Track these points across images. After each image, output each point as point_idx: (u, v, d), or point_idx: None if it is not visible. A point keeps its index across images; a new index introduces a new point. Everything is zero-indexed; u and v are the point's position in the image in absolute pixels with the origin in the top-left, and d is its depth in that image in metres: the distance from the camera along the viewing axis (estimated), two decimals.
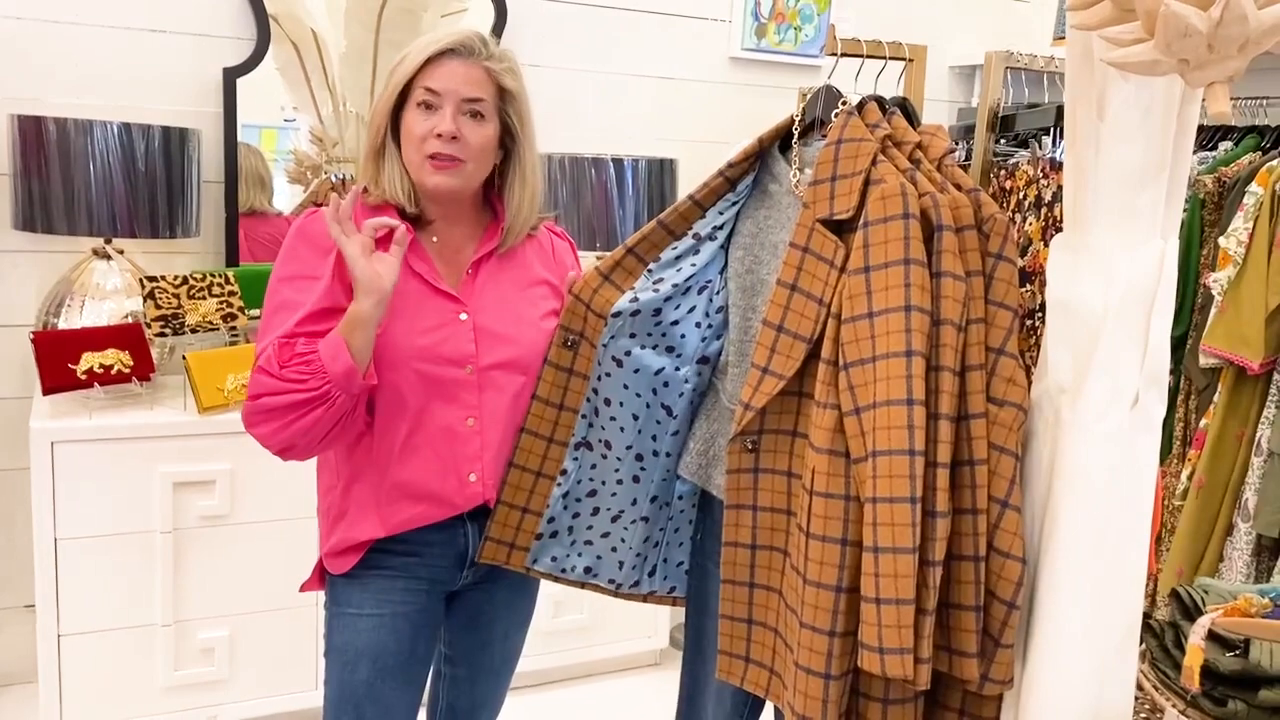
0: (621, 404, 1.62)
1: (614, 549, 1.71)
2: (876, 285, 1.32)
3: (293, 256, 1.54)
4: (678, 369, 1.61)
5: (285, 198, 2.89)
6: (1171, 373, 2.69)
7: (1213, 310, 2.49)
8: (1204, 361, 2.53)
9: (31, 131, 2.38)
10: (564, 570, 1.71)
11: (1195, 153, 2.70)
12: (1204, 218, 2.61)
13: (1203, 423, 2.59)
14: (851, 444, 1.33)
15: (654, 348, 1.60)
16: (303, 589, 1.72)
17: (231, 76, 2.73)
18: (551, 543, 1.69)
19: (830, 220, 1.42)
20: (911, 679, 1.25)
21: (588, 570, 1.72)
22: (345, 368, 1.43)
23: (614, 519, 1.69)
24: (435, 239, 1.61)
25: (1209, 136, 2.75)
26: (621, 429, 1.64)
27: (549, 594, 2.78)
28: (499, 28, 3.01)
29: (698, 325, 1.60)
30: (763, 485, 1.49)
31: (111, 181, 2.41)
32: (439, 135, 1.51)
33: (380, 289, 1.44)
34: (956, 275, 1.32)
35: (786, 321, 1.43)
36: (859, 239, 1.35)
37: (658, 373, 1.61)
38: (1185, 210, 2.59)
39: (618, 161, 2.90)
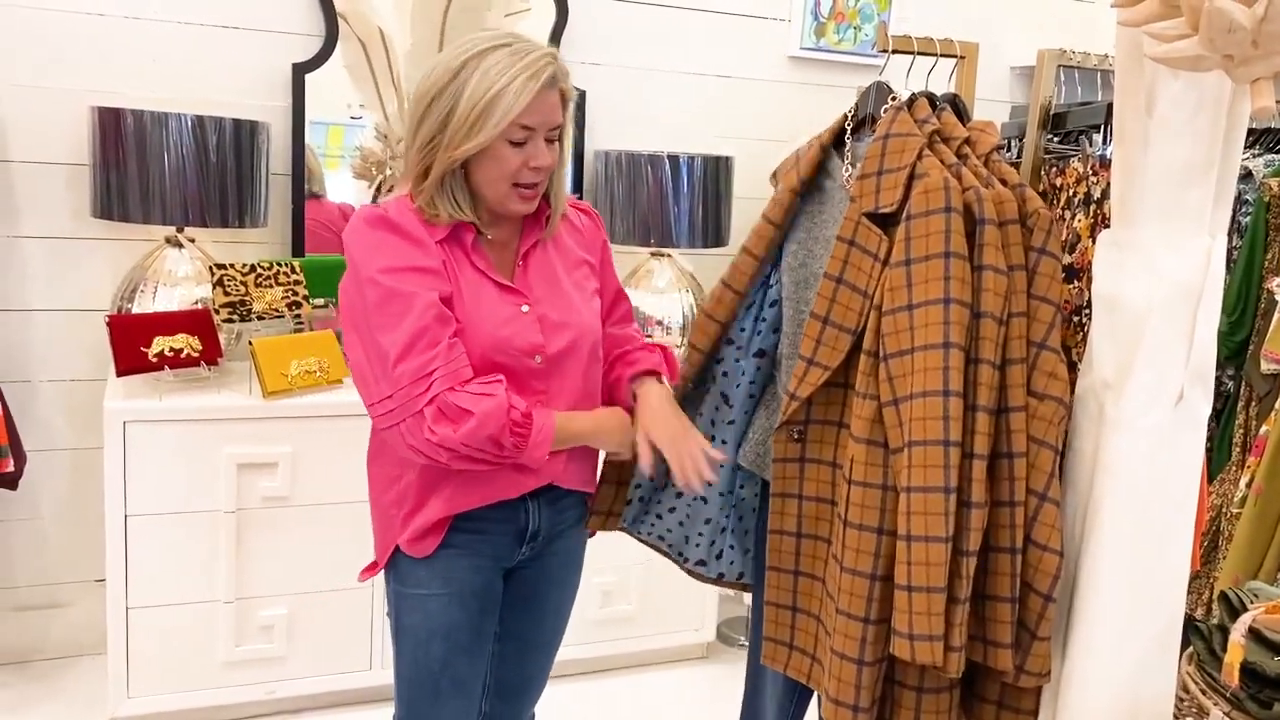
0: (692, 385, 1.71)
1: (680, 524, 1.78)
2: (917, 278, 1.34)
3: (389, 248, 1.51)
4: (736, 360, 1.65)
5: (351, 192, 2.95)
6: (1232, 378, 2.65)
7: (1275, 315, 2.45)
8: (1265, 367, 2.48)
9: (111, 123, 2.48)
10: (647, 534, 1.82)
11: (1261, 155, 2.65)
12: (1269, 221, 2.56)
13: (1263, 429, 2.54)
14: (890, 434, 1.35)
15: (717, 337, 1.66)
16: (362, 577, 1.75)
17: (300, 72, 2.82)
18: (639, 507, 1.79)
19: (875, 214, 1.43)
20: (941, 666, 1.27)
21: (661, 539, 1.81)
22: (540, 458, 1.54)
23: (678, 495, 1.76)
24: (489, 236, 1.62)
25: (1276, 139, 2.70)
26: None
27: (598, 584, 2.81)
28: (560, 27, 3.05)
29: (755, 319, 1.63)
30: (809, 475, 1.52)
31: (184, 172, 2.50)
32: (534, 168, 1.52)
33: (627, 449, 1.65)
34: (998, 269, 1.33)
35: (832, 314, 1.45)
36: (901, 232, 1.37)
37: (718, 361, 1.65)
38: (1249, 214, 2.55)
39: (674, 159, 2.93)
